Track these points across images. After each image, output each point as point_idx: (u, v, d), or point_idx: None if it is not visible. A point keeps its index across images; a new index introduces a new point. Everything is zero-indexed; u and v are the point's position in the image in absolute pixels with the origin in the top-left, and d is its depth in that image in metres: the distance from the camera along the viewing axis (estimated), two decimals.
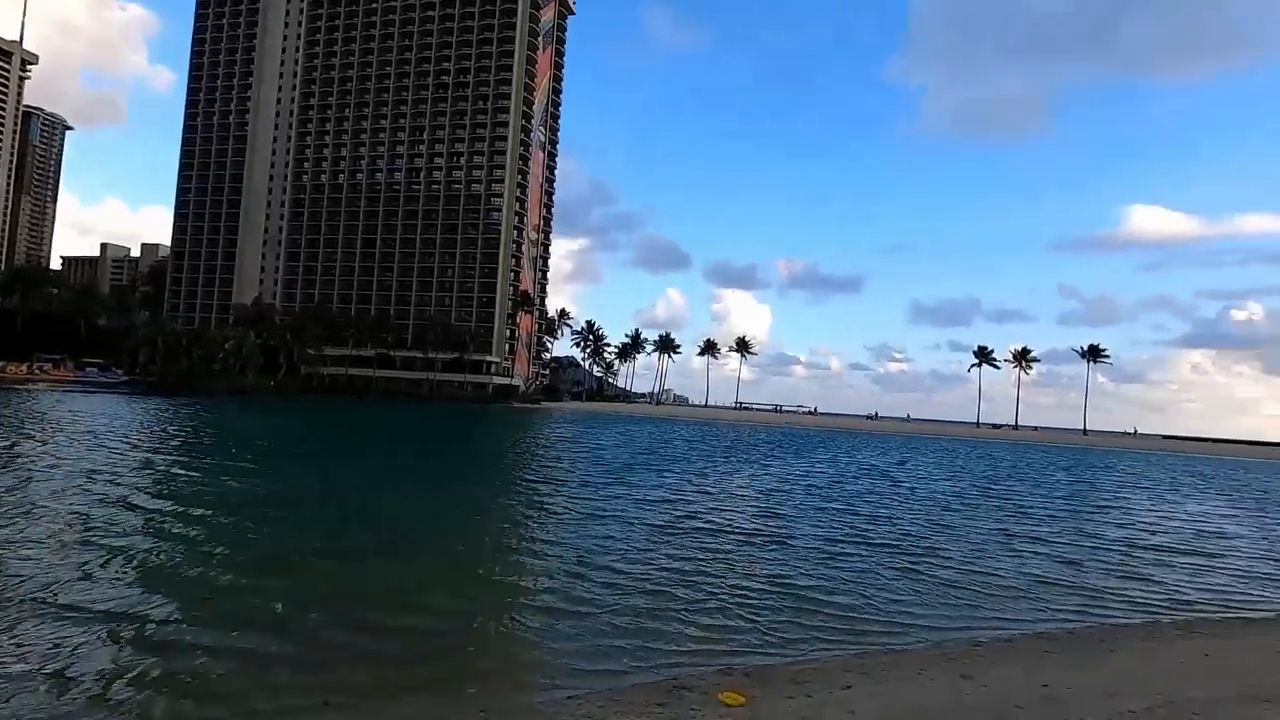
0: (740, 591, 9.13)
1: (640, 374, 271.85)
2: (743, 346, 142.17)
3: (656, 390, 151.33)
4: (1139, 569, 12.11)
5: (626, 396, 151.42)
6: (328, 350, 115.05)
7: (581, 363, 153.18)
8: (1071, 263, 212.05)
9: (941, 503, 19.57)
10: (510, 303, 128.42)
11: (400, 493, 15.89)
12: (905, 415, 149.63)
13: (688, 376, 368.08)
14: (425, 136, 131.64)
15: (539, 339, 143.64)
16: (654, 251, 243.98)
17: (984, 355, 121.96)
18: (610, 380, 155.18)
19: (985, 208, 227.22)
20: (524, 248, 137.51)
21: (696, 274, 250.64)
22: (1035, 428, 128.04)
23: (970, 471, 33.16)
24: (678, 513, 14.55)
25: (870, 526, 14.65)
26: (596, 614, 8.05)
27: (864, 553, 11.96)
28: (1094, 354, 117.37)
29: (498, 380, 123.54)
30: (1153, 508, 22.06)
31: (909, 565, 11.27)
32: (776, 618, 8.20)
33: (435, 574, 9.60)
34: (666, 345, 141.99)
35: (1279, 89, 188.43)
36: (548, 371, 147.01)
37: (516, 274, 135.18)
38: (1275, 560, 13.96)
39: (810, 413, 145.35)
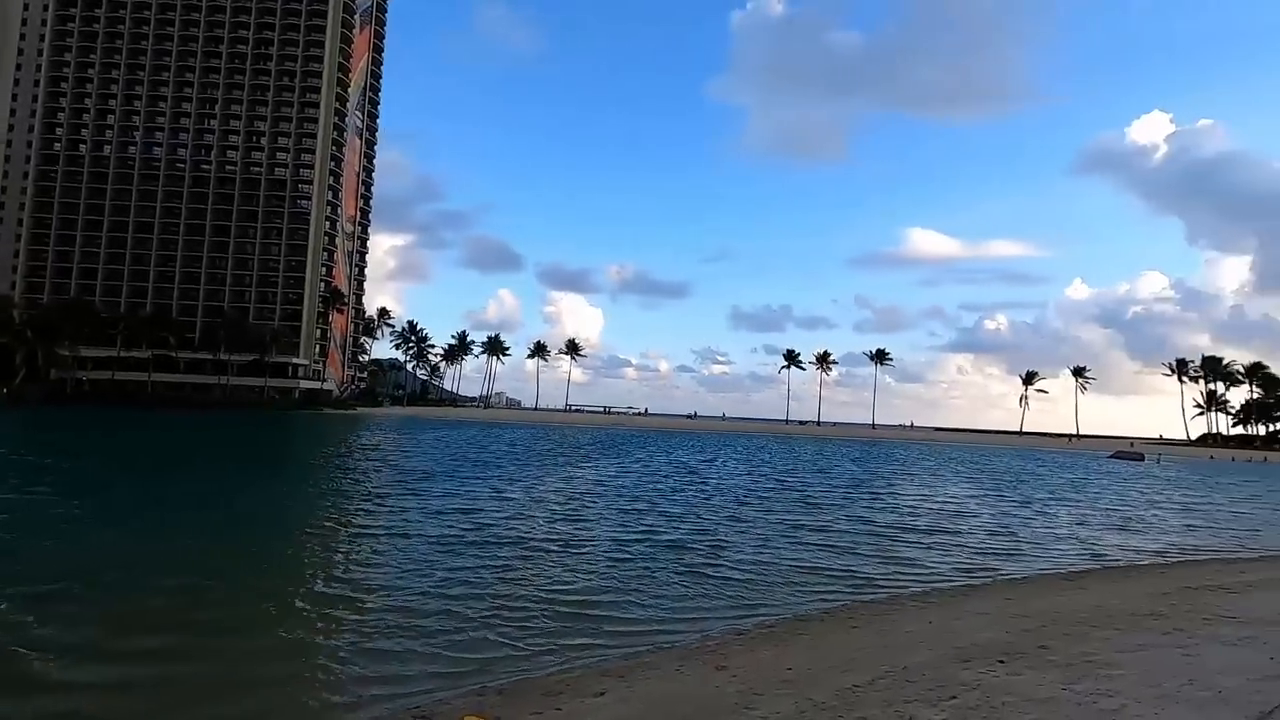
0: (512, 604, 8.62)
1: (471, 377, 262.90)
2: (573, 349, 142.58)
3: (485, 393, 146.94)
4: (899, 550, 13.31)
5: (453, 400, 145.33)
6: (88, 351, 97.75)
7: (405, 365, 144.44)
8: (865, 276, 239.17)
9: (739, 497, 20.57)
10: (321, 300, 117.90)
11: (120, 523, 13.36)
12: (721, 414, 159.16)
13: (520, 379, 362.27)
14: (218, 110, 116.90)
15: (355, 339, 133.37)
16: (485, 251, 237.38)
17: (791, 358, 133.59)
18: (436, 383, 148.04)
19: (797, 223, 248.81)
20: (338, 240, 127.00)
21: (529, 276, 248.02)
22: (834, 423, 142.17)
23: (772, 465, 35.61)
24: (468, 524, 13.71)
25: (666, 525, 14.89)
26: (336, 645, 7.17)
27: (653, 552, 12.02)
28: (880, 357, 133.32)
29: (306, 384, 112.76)
30: (917, 493, 24.85)
31: (697, 562, 11.49)
32: (545, 629, 7.81)
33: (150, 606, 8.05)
34: (495, 347, 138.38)
35: (1021, 137, 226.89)
36: (366, 375, 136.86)
37: (329, 268, 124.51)
38: (1005, 535, 16.14)
39: (641, 414, 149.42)
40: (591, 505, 17.62)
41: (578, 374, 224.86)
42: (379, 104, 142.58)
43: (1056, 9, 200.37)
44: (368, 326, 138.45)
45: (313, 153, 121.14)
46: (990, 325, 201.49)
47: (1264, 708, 4.81)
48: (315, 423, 66.83)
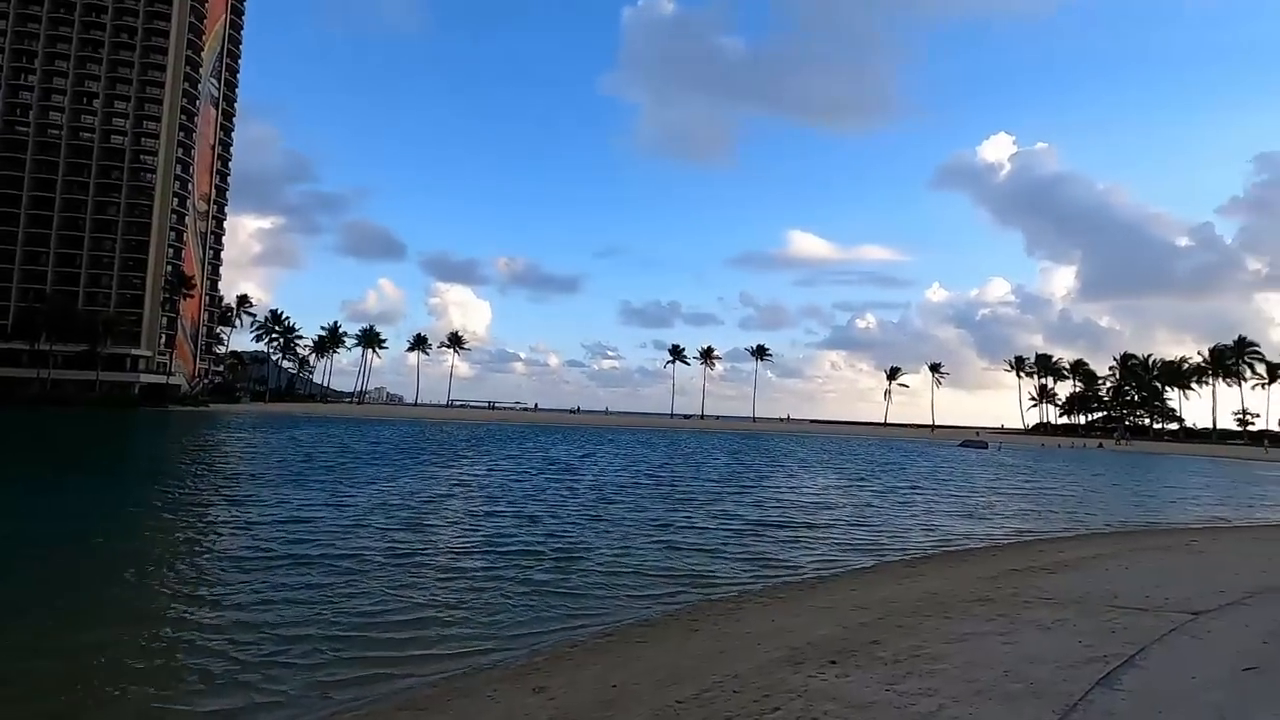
0: (300, 635, 7.40)
1: (350, 371, 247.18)
2: (455, 342, 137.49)
3: (361, 388, 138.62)
4: (759, 546, 13.08)
5: (324, 396, 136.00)
6: None
7: (270, 358, 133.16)
8: (749, 275, 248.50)
9: (607, 495, 19.98)
10: (166, 284, 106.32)
11: None
12: (605, 409, 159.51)
13: (402, 374, 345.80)
14: (37, 65, 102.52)
15: (209, 329, 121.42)
16: (364, 238, 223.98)
17: (677, 353, 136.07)
18: (307, 377, 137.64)
19: (686, 222, 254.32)
20: (188, 219, 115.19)
21: (413, 265, 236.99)
22: (718, 417, 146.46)
23: (648, 460, 35.51)
24: (287, 538, 12.03)
25: (520, 529, 13.95)
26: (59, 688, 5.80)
27: (499, 560, 11.12)
28: (760, 353, 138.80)
29: (148, 379, 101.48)
30: (785, 485, 25.37)
31: (546, 568, 10.75)
32: (340, 660, 6.74)
33: None
34: (371, 339, 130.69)
35: (890, 149, 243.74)
36: (223, 368, 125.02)
37: (177, 250, 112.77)
38: (862, 525, 16.55)
39: (529, 409, 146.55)
40: (445, 509, 16.39)
41: (464, 368, 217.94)
42: (238, 71, 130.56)
43: (923, 34, 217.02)
44: (225, 315, 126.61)
45: (157, 120, 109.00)
46: (861, 324, 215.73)
47: (1070, 699, 4.73)
48: (153, 421, 59.85)
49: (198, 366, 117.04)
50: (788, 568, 11.26)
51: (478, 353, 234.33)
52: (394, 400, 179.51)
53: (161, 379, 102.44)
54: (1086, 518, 19.98)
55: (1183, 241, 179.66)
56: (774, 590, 9.65)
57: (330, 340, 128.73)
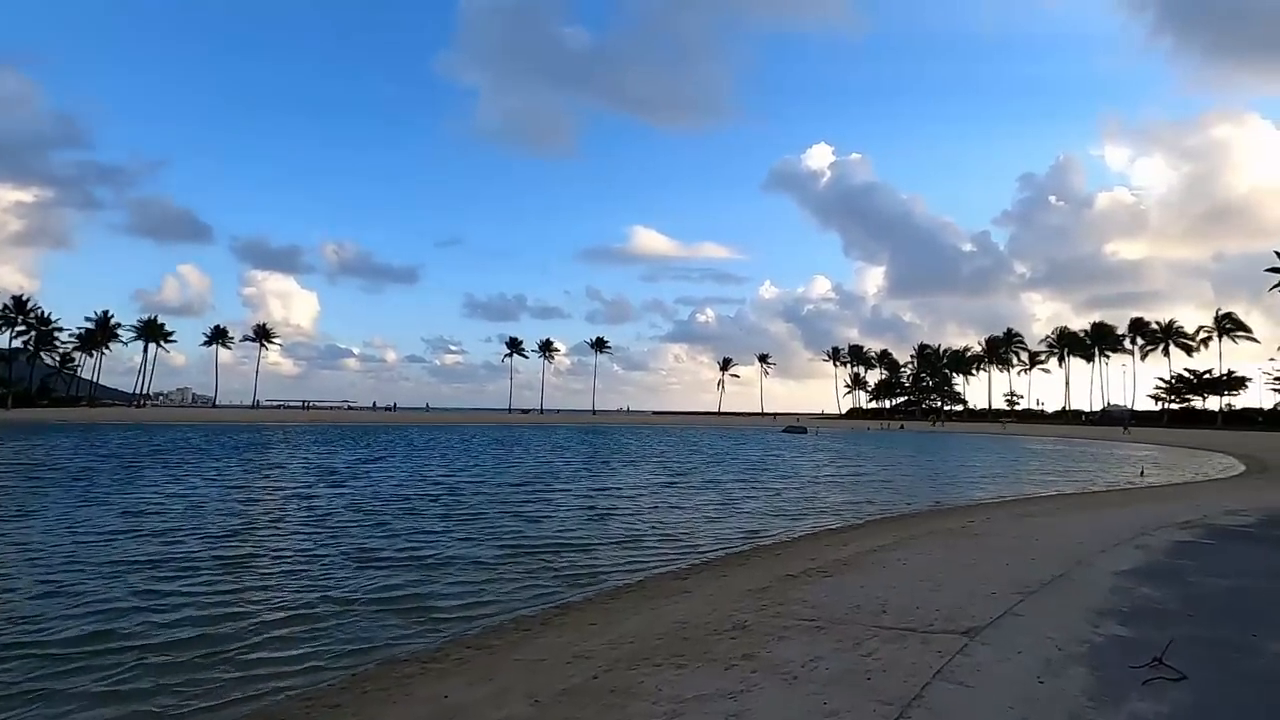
0: None
1: (162, 368, 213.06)
2: (263, 335, 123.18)
3: (141, 389, 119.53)
4: (512, 574, 10.43)
5: (94, 399, 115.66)
6: None
7: (22, 356, 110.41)
8: (595, 269, 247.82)
9: (362, 511, 16.37)
10: None
11: None
12: (425, 405, 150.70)
13: (210, 373, 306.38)
14: None
15: None
16: (159, 218, 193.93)
17: (515, 346, 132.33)
18: (80, 378, 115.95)
19: (529, 213, 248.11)
20: None
21: (222, 250, 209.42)
22: (558, 410, 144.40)
23: (447, 464, 32.19)
24: None
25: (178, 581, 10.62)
26: None
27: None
28: (599, 345, 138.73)
29: None
30: (593, 486, 22.87)
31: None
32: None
33: None
34: (154, 331, 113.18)
35: (727, 150, 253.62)
36: None
37: None
38: (661, 531, 14.72)
39: (381, 409, 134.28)
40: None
41: (289, 366, 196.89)
42: None
43: (754, 42, 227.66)
44: None
45: None
46: (701, 318, 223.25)
47: None
48: None
49: None
50: (532, 598, 9.03)
51: (304, 348, 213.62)
52: (200, 402, 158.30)
53: None
54: (881, 499, 20.08)
55: (967, 247, 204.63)
56: (480, 640, 7.33)
57: (100, 333, 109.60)
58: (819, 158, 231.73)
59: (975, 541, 11.30)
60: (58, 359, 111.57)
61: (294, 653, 6.83)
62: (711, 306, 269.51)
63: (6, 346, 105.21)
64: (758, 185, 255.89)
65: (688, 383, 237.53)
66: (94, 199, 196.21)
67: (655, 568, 10.67)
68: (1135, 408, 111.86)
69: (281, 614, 8.01)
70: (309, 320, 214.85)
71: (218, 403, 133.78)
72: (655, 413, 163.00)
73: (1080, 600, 6.93)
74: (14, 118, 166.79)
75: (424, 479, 22.93)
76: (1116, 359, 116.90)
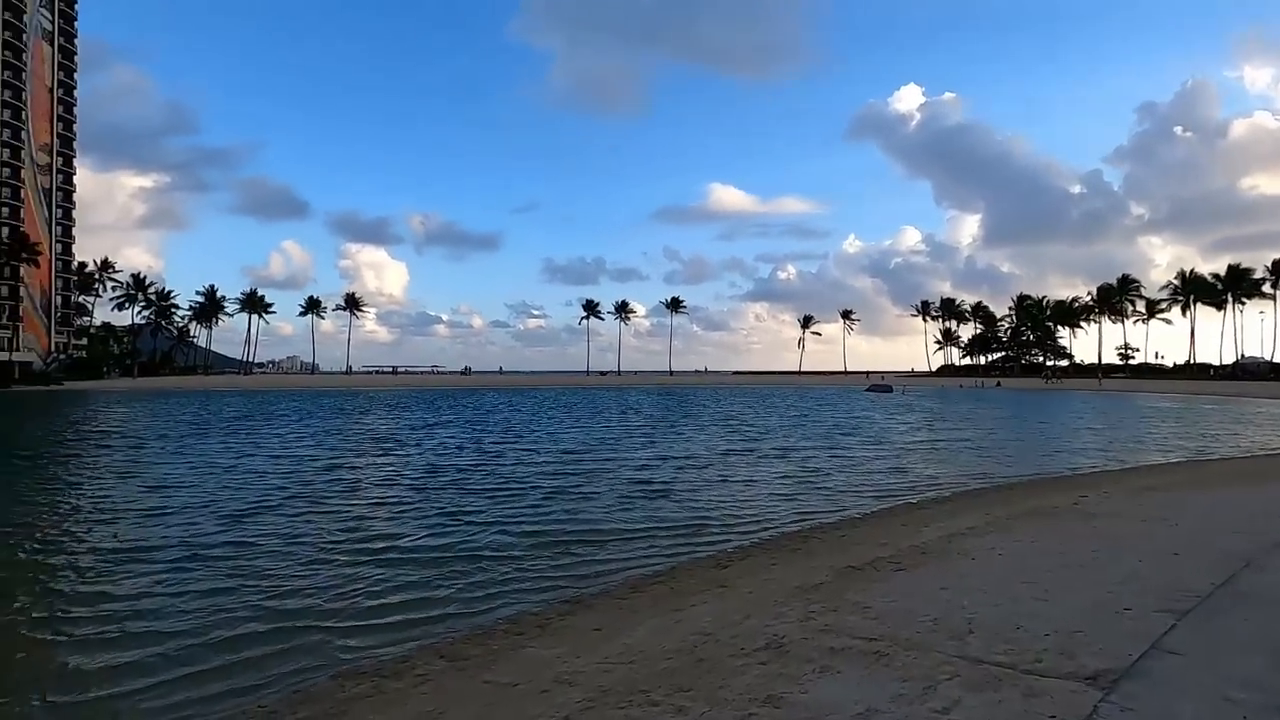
0: None
1: (261, 339, 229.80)
2: (353, 304, 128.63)
3: (247, 357, 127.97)
4: (535, 564, 9.21)
5: (208, 367, 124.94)
6: None
7: (148, 329, 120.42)
8: (672, 229, 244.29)
9: (405, 488, 15.32)
10: (3, 250, 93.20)
11: None
12: (498, 368, 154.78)
13: (315, 341, 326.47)
14: None
15: (65, 299, 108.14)
16: (262, 197, 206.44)
17: (591, 308, 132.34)
18: (200, 347, 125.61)
19: (606, 174, 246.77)
20: (25, 174, 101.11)
21: (318, 225, 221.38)
22: (635, 372, 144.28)
23: (507, 426, 31.71)
24: None
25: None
26: None
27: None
28: (675, 305, 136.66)
29: None
30: (652, 455, 21.21)
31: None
32: None
33: None
34: (255, 304, 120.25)
35: (808, 99, 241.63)
36: (85, 342, 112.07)
37: (15, 209, 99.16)
38: (718, 505, 13.34)
39: (437, 372, 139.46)
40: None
41: (384, 333, 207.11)
42: (77, 1, 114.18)
43: None
44: (86, 282, 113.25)
45: None
46: (782, 275, 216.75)
47: None
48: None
49: (54, 340, 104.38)
50: (545, 590, 7.80)
51: (397, 316, 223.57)
52: (305, 369, 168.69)
53: (3, 356, 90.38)
54: (971, 466, 17.78)
55: (1075, 188, 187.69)
56: (459, 647, 6.13)
57: (209, 306, 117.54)
58: (907, 100, 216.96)
59: (1090, 525, 9.21)
60: (176, 331, 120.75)
61: (247, 655, 5.89)
62: (792, 263, 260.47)
63: (132, 322, 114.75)
64: (840, 134, 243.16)
65: (768, 342, 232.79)
66: (204, 182, 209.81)
67: (697, 551, 9.23)
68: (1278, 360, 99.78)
69: (247, 617, 7.14)
70: (400, 289, 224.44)
71: (321, 369, 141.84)
72: (734, 373, 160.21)
73: (1270, 629, 4.96)
74: (132, 108, 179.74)
75: (479, 447, 22.30)
76: (1253, 306, 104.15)
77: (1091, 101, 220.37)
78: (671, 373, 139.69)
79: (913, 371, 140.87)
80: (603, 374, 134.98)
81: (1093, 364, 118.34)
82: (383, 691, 5.04)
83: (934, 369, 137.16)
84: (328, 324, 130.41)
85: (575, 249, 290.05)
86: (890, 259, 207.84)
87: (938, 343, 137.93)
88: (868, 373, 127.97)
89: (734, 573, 7.87)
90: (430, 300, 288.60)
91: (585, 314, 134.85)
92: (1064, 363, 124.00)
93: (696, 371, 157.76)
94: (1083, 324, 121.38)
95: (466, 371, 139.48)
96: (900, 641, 5.06)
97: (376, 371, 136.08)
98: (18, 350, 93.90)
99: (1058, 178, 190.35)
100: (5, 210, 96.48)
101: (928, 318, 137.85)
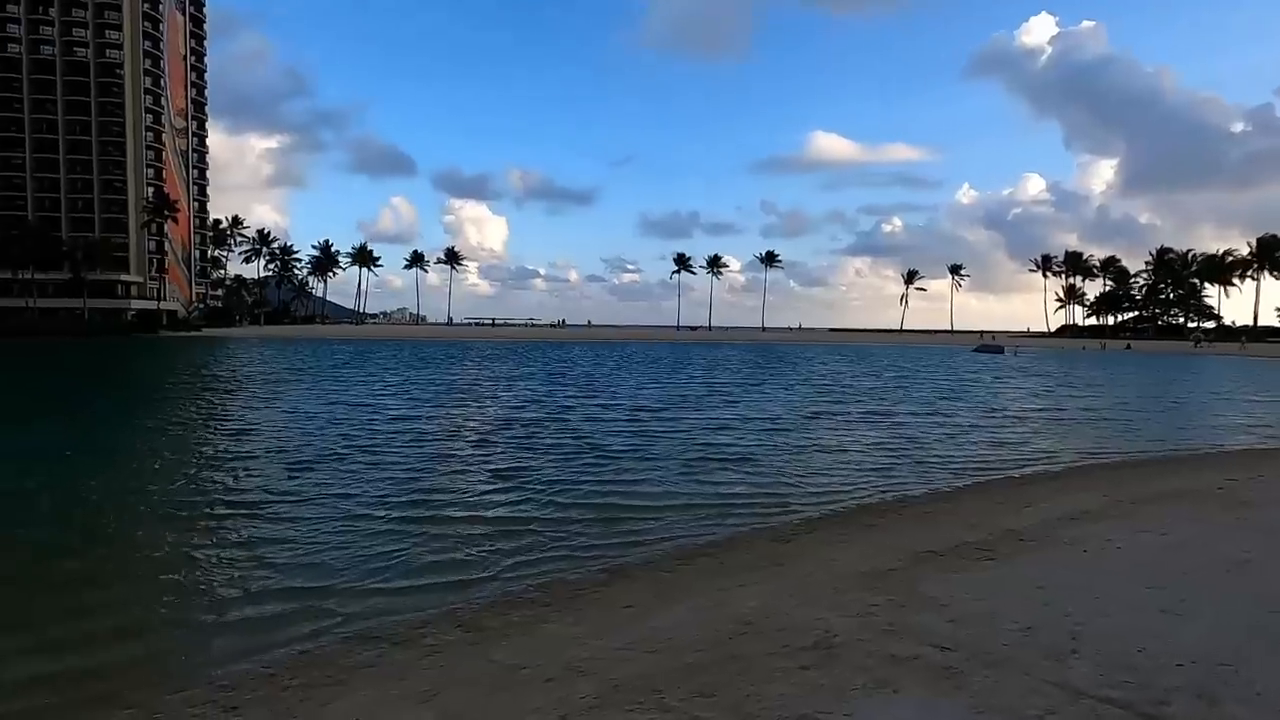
0: None
1: (374, 291, 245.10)
2: (452, 258, 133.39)
3: (359, 308, 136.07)
4: (567, 539, 9.09)
5: (324, 317, 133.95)
6: None
7: (272, 281, 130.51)
8: (770, 180, 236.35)
9: (469, 442, 15.39)
10: (149, 206, 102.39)
11: None
12: (586, 321, 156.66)
13: (423, 294, 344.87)
14: None
15: (204, 252, 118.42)
16: (372, 155, 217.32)
17: (682, 263, 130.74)
18: (318, 297, 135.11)
19: (701, 125, 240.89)
20: (166, 137, 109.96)
21: (424, 182, 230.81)
22: (725, 328, 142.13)
23: (593, 380, 31.61)
24: None
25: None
26: None
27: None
28: (770, 260, 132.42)
29: (140, 305, 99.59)
30: (729, 414, 20.38)
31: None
32: None
33: None
34: (364, 258, 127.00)
35: (919, 36, 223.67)
36: (221, 292, 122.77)
37: (158, 170, 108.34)
38: (787, 466, 12.55)
39: (556, 325, 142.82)
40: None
41: (485, 286, 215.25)
42: None
43: None
44: (220, 237, 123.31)
45: (119, 28, 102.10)
46: (887, 228, 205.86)
47: None
48: (130, 349, 57.36)
49: (194, 291, 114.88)
50: (590, 556, 7.29)
51: (497, 270, 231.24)
52: (419, 320, 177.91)
53: (152, 305, 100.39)
54: (1092, 438, 15.80)
55: (1237, 127, 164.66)
56: (478, 616, 5.73)
57: (324, 260, 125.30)
58: (1038, 31, 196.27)
59: (1241, 516, 7.67)
60: (296, 283, 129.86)
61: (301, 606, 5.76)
62: (898, 215, 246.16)
63: (259, 274, 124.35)
64: (958, 73, 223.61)
65: (869, 298, 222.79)
66: (321, 142, 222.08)
67: (758, 522, 8.46)
68: None
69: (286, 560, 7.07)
70: (500, 244, 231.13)
71: (428, 320, 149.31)
72: (831, 330, 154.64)
73: None
74: (256, 73, 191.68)
75: (553, 401, 22.18)
76: None
77: (1261, 23, 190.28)
78: (764, 329, 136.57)
79: (1028, 331, 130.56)
80: (693, 329, 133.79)
81: (1245, 325, 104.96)
82: (388, 661, 4.68)
83: (1052, 329, 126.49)
84: (434, 277, 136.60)
85: (670, 202, 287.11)
86: (1008, 209, 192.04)
87: (1059, 301, 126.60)
88: (982, 332, 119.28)
89: (795, 549, 7.06)
90: (528, 255, 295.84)
91: (677, 268, 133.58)
92: (1210, 324, 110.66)
93: (790, 328, 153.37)
94: (1235, 281, 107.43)
95: (560, 324, 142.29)
96: (979, 655, 4.15)
97: (475, 323, 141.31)
98: (164, 299, 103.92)
99: (1216, 115, 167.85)
100: (150, 171, 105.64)
101: (1048, 273, 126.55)
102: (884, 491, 10.12)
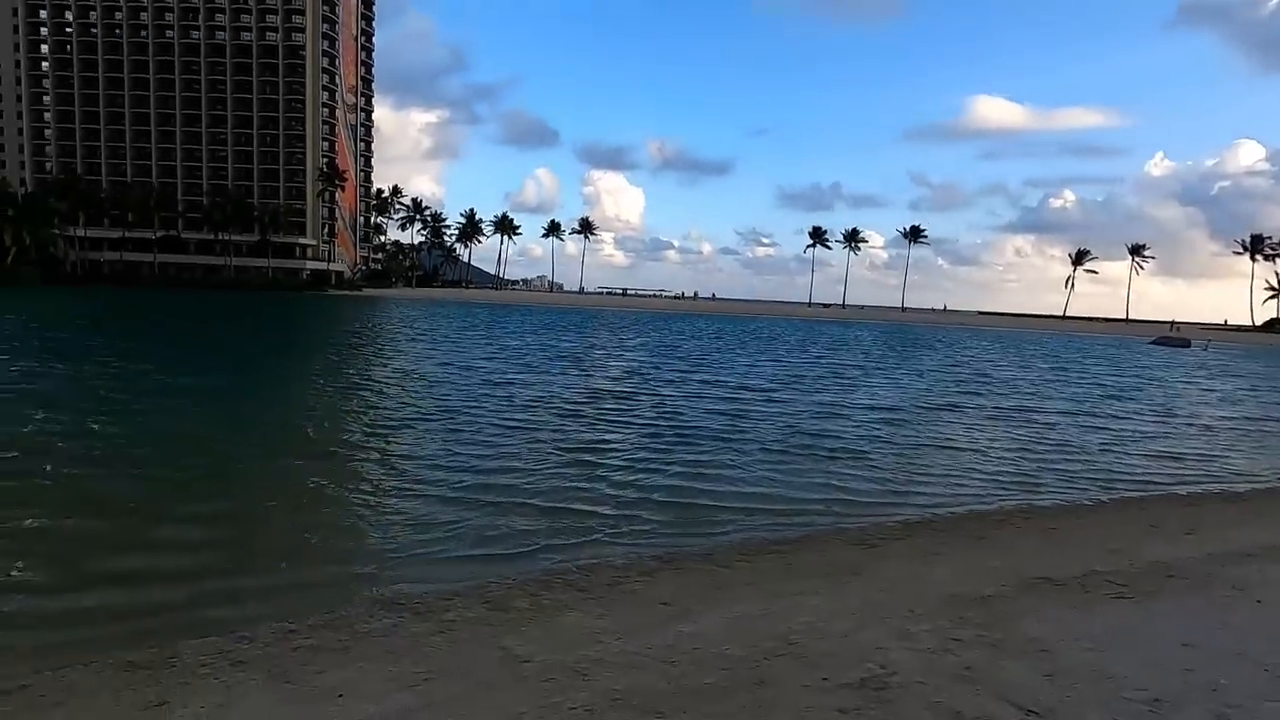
0: None
1: (516, 259, 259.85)
2: (586, 228, 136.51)
3: (499, 274, 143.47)
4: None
5: (468, 281, 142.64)
6: (89, 232, 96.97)
7: (424, 247, 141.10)
8: (922, 150, 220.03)
9: (553, 412, 15.05)
10: (321, 176, 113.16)
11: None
12: (711, 294, 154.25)
13: (562, 262, 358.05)
14: None
15: (367, 219, 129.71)
16: (521, 128, 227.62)
17: (818, 236, 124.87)
18: (465, 263, 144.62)
19: (847, 92, 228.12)
20: (339, 113, 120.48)
21: (567, 153, 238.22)
22: (861, 306, 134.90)
23: (705, 355, 30.76)
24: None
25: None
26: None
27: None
28: (915, 235, 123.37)
29: (313, 265, 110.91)
30: (837, 399, 19.04)
31: None
32: None
33: None
34: (505, 226, 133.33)
35: None
36: (381, 256, 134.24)
37: (331, 143, 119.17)
38: (892, 466, 11.38)
39: (680, 297, 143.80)
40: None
41: (620, 257, 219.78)
42: None
43: None
44: (382, 205, 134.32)
45: (303, 13, 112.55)
46: (1056, 203, 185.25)
47: None
48: (302, 304, 64.24)
49: (357, 254, 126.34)
50: (654, 541, 6.82)
51: (632, 241, 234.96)
52: (556, 287, 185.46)
53: (324, 265, 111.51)
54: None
55: None
56: (507, 596, 5.42)
57: (469, 229, 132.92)
58: None
59: None
60: (444, 249, 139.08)
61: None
62: (1071, 188, 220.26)
63: (412, 240, 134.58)
64: (1156, 24, 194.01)
65: (1029, 280, 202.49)
66: (475, 115, 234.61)
67: (845, 520, 7.58)
68: None
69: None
70: (636, 215, 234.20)
71: (565, 289, 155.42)
72: (980, 313, 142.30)
73: None
74: (419, 50, 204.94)
75: (655, 375, 21.70)
76: None
77: None
78: (904, 309, 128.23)
79: (1225, 325, 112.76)
80: (825, 306, 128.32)
81: None
82: (401, 633, 4.49)
83: (1258, 323, 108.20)
84: (571, 247, 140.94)
85: (810, 174, 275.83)
86: (1212, 182, 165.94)
87: (1270, 290, 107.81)
88: (1173, 323, 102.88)
89: (877, 557, 6.17)
90: (663, 226, 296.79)
91: (812, 242, 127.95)
92: None
93: (934, 309, 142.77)
94: None
95: (685, 296, 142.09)
96: None
97: (607, 293, 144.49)
98: (333, 261, 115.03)
99: None
100: (325, 145, 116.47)
101: (1258, 256, 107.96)
102: (1004, 499, 8.77)
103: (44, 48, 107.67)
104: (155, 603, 5.07)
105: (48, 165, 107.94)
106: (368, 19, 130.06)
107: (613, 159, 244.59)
